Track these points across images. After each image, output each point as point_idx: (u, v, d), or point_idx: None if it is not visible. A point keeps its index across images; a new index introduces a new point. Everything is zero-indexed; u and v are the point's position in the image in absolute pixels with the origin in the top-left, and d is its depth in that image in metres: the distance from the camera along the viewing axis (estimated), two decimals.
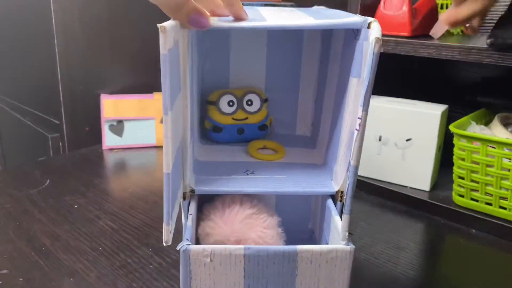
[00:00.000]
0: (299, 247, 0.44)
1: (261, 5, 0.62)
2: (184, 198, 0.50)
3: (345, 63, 0.52)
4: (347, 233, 0.45)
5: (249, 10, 0.50)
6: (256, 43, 0.64)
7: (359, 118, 0.42)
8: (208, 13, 0.42)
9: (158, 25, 0.39)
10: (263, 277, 0.45)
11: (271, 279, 0.45)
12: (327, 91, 0.60)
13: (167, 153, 0.42)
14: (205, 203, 0.53)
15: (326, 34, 0.61)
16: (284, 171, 0.55)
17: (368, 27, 0.43)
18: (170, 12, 0.41)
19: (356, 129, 0.42)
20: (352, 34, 0.48)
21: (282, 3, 0.98)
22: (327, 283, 0.46)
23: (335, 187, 0.51)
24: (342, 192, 0.50)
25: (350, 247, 0.45)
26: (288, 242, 0.53)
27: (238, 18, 0.44)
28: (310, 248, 0.44)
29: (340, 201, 0.50)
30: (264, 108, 0.62)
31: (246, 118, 0.61)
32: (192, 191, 0.49)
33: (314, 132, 0.66)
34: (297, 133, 0.67)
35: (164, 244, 0.44)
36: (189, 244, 0.43)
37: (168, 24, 0.39)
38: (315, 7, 0.63)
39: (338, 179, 0.51)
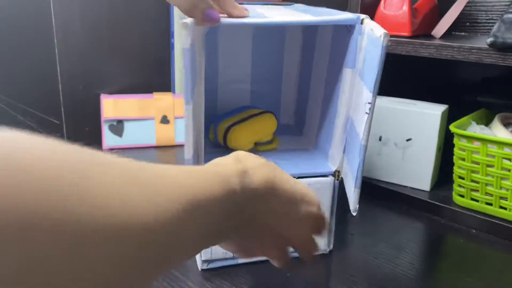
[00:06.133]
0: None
1: (262, 4, 0.63)
2: None
3: (334, 55, 0.56)
4: (357, 205, 0.52)
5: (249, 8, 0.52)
6: (242, 39, 0.67)
7: (369, 103, 0.46)
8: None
9: (181, 22, 0.42)
10: None
11: None
12: (314, 81, 0.63)
13: (188, 141, 0.47)
14: None
15: (308, 28, 0.65)
16: (281, 156, 0.60)
17: (361, 23, 0.48)
18: (187, 11, 0.43)
19: (366, 113, 0.47)
20: (342, 29, 0.51)
21: (282, 2, 0.98)
22: None
23: (332, 168, 0.57)
24: (339, 172, 0.57)
25: (331, 178, 0.56)
26: None
27: (230, 16, 0.46)
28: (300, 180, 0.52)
29: (337, 179, 0.57)
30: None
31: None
32: None
33: (298, 121, 0.70)
34: (280, 122, 0.71)
35: None
36: None
37: (189, 20, 0.42)
38: (298, 4, 0.67)
39: (335, 160, 0.56)
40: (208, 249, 0.54)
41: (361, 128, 0.48)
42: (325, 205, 0.57)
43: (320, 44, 0.61)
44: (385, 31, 0.44)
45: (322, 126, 0.61)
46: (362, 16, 0.49)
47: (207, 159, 0.59)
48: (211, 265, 0.56)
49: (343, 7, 0.62)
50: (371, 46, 0.46)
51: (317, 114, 0.62)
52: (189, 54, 0.42)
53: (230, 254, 0.55)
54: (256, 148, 0.61)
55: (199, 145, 0.50)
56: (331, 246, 0.60)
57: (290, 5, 0.64)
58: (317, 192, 0.54)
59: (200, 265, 0.56)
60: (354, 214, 0.52)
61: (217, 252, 0.55)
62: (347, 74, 0.52)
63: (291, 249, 0.53)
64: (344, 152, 0.55)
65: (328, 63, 0.58)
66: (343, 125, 0.54)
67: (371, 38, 0.46)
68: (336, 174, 0.56)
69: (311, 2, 0.71)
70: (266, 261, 0.56)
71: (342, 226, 0.67)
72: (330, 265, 0.58)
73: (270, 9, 0.55)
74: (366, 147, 0.49)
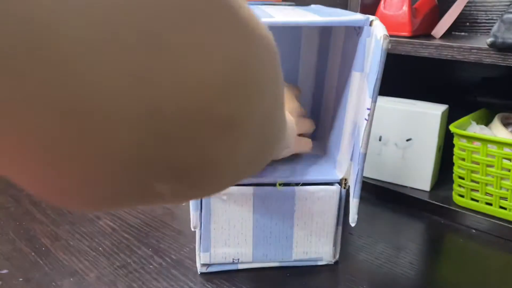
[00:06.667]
0: (297, 188, 0.53)
1: (261, 4, 0.62)
2: None
3: (345, 58, 0.54)
4: (356, 216, 0.51)
5: (254, 9, 0.51)
6: None
7: (368, 109, 0.46)
8: None
9: None
10: (268, 212, 0.53)
11: (275, 214, 0.54)
12: (327, 85, 0.62)
13: None
14: None
15: (324, 30, 0.62)
16: (289, 162, 0.58)
17: (370, 25, 0.47)
18: None
19: (366, 119, 0.46)
20: (353, 31, 0.50)
21: (282, 2, 0.98)
22: (319, 217, 0.55)
23: (339, 175, 0.55)
24: (346, 180, 0.55)
25: (337, 187, 0.54)
26: None
27: None
28: (305, 188, 0.53)
29: (344, 187, 0.55)
30: None
31: None
32: None
33: None
34: None
35: (193, 229, 0.52)
36: None
37: None
38: (313, 5, 0.64)
39: (342, 168, 0.55)
40: (207, 253, 0.54)
41: (361, 134, 0.47)
42: (331, 215, 0.55)
43: (333, 46, 0.60)
44: (386, 33, 0.43)
45: (332, 131, 0.59)
46: (372, 17, 0.47)
47: None
48: (210, 269, 0.56)
49: (343, 7, 0.62)
50: (375, 48, 0.45)
51: (329, 119, 0.61)
52: None
53: (229, 259, 0.55)
54: None
55: None
56: (337, 257, 0.59)
57: (302, 5, 0.63)
58: (321, 201, 0.54)
59: (199, 269, 0.56)
60: (352, 225, 0.51)
61: (216, 256, 0.54)
62: (355, 77, 0.51)
63: (292, 256, 0.57)
64: (351, 159, 0.53)
65: (339, 66, 0.57)
66: (350, 130, 0.53)
67: (375, 40, 0.45)
68: (343, 182, 0.54)
69: (311, 2, 0.71)
70: (266, 267, 0.57)
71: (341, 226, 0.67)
72: (330, 265, 0.58)
73: (278, 10, 0.54)
74: (365, 155, 0.48)
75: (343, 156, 0.55)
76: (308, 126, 0.55)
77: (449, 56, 0.65)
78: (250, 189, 0.52)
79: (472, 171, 0.69)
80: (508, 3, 0.78)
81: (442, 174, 0.80)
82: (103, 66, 0.12)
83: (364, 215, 0.72)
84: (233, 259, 0.55)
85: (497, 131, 0.70)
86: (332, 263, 0.58)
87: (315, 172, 0.55)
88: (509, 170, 0.65)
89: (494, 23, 0.64)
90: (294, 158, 0.59)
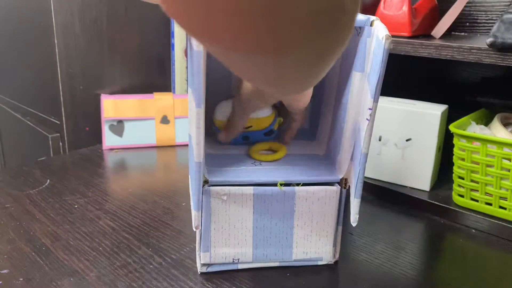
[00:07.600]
0: (297, 188, 0.53)
1: None
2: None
3: (345, 58, 0.54)
4: (357, 216, 0.51)
5: None
6: None
7: (369, 109, 0.46)
8: None
9: None
10: (268, 212, 0.53)
11: (275, 214, 0.54)
12: (328, 86, 0.61)
13: (199, 144, 0.47)
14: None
15: None
16: (290, 162, 0.58)
17: (371, 25, 0.47)
18: None
19: (367, 119, 0.46)
20: (353, 31, 0.50)
21: None
22: (319, 217, 0.55)
23: (339, 175, 0.55)
24: (346, 180, 0.55)
25: (337, 187, 0.54)
26: None
27: None
28: (305, 189, 0.53)
29: (345, 187, 0.55)
30: (273, 112, 0.62)
31: (250, 126, 0.61)
32: (206, 181, 0.52)
33: (312, 125, 0.68)
34: None
35: (195, 229, 0.52)
36: (210, 185, 0.51)
37: None
38: None
39: (342, 168, 0.55)
40: (207, 253, 0.54)
41: (363, 134, 0.47)
42: (331, 215, 0.55)
43: None
44: (388, 33, 0.43)
45: (333, 131, 0.59)
46: (372, 17, 0.47)
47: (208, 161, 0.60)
48: (210, 269, 0.56)
49: None
50: (376, 48, 0.45)
51: (329, 119, 0.61)
52: (201, 55, 0.43)
53: (229, 259, 0.55)
54: (256, 158, 0.59)
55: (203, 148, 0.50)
56: (337, 257, 0.58)
57: None
58: (322, 202, 0.54)
59: (199, 269, 0.56)
60: (353, 224, 0.51)
61: (216, 256, 0.54)
62: (356, 77, 0.51)
63: (292, 256, 0.57)
64: (352, 159, 0.53)
65: (340, 66, 0.57)
66: (351, 130, 0.53)
67: (377, 40, 0.45)
68: (343, 182, 0.55)
69: None
70: (266, 267, 0.57)
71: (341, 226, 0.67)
72: (330, 264, 0.59)
73: None
74: (366, 155, 0.48)
75: (343, 156, 0.55)
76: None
77: (448, 56, 0.66)
78: (250, 189, 0.52)
79: (472, 171, 0.69)
80: (508, 3, 0.78)
81: (442, 174, 0.80)
82: None
83: (364, 215, 0.72)
84: (233, 259, 0.55)
85: (497, 131, 0.70)
86: (332, 263, 0.58)
87: (315, 172, 0.55)
88: (508, 170, 0.65)
89: (494, 23, 0.64)
90: (294, 158, 0.59)
